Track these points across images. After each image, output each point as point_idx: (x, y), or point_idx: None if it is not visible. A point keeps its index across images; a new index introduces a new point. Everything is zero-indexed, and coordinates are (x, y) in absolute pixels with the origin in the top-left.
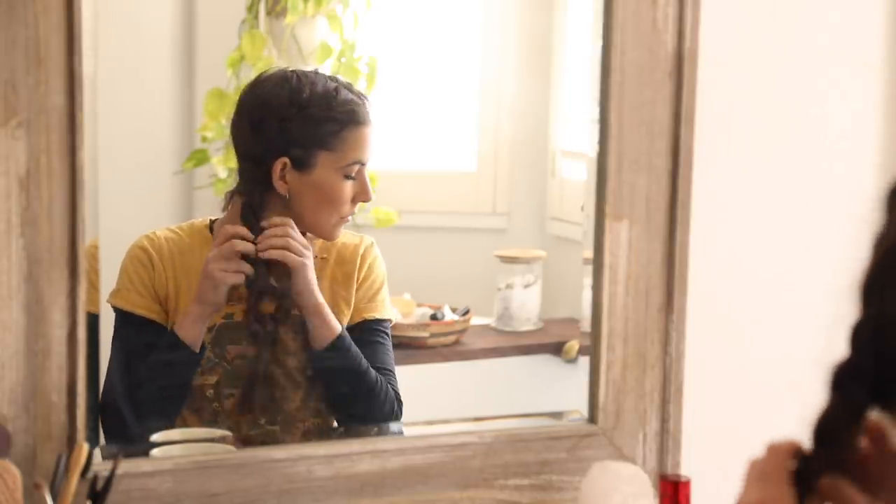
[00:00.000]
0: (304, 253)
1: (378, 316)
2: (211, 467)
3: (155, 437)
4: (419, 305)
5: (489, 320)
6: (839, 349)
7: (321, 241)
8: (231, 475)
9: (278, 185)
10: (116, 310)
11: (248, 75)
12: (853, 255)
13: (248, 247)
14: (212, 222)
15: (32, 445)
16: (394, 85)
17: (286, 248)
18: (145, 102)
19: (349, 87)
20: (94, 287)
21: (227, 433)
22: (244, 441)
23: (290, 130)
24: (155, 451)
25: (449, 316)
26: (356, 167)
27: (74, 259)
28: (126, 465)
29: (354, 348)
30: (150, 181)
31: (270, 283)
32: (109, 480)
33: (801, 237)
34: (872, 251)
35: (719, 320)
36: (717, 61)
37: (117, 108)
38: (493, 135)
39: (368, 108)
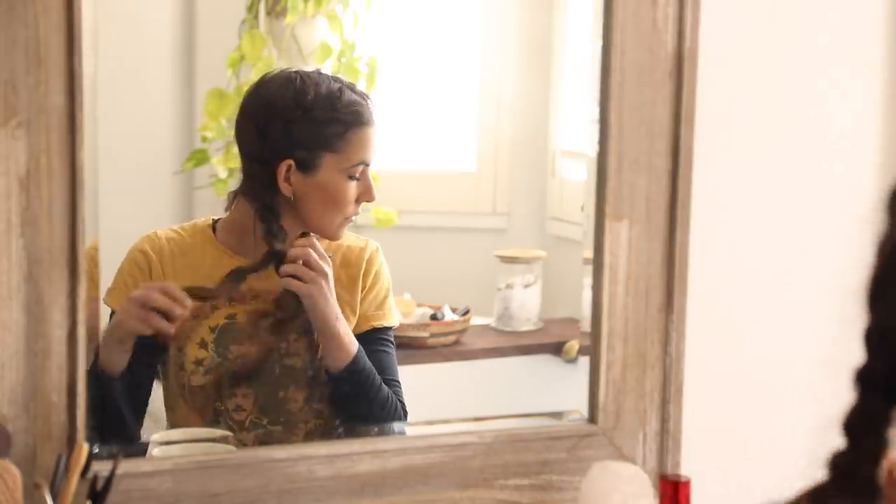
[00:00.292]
0: (314, 279)
1: (386, 324)
2: (211, 467)
3: (155, 437)
4: (419, 305)
5: (489, 320)
6: (842, 350)
7: (326, 241)
8: (231, 475)
9: (283, 186)
10: (110, 309)
11: (248, 75)
12: (854, 256)
13: (168, 306)
14: (214, 222)
15: (32, 445)
16: (394, 85)
17: (294, 274)
18: (145, 102)
19: (352, 88)
20: (94, 286)
21: (228, 433)
22: (245, 441)
23: (295, 133)
24: (155, 451)
25: (449, 316)
26: (360, 168)
27: (74, 259)
28: (126, 465)
29: (368, 364)
30: (150, 181)
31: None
32: (109, 480)
33: (802, 237)
34: (875, 255)
35: (719, 320)
36: (717, 61)
37: (117, 108)
38: (493, 135)
39: (372, 108)
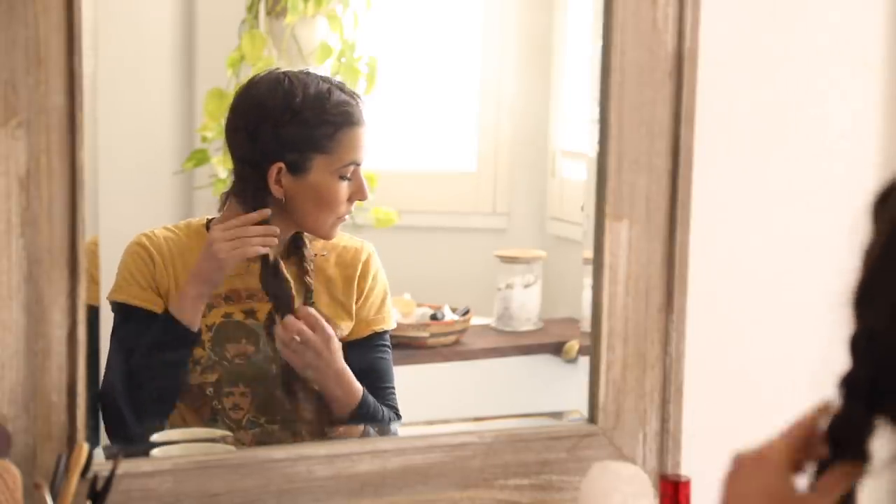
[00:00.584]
0: (304, 355)
1: (386, 327)
2: (211, 467)
3: (155, 437)
4: (419, 305)
5: (489, 320)
6: (838, 354)
7: (321, 241)
8: (231, 475)
9: (274, 188)
10: (117, 305)
11: (248, 75)
12: (852, 257)
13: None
14: (209, 221)
15: (32, 445)
16: (394, 85)
17: (288, 347)
18: (145, 102)
19: (342, 88)
20: (94, 281)
21: (227, 433)
22: (243, 440)
23: (285, 136)
24: (155, 451)
25: (449, 316)
26: (351, 168)
27: (74, 259)
28: (126, 465)
29: (372, 401)
30: (150, 181)
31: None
32: (109, 480)
33: (801, 237)
34: (862, 261)
35: (719, 320)
36: (717, 61)
37: (117, 108)
38: (493, 135)
39: (362, 107)
